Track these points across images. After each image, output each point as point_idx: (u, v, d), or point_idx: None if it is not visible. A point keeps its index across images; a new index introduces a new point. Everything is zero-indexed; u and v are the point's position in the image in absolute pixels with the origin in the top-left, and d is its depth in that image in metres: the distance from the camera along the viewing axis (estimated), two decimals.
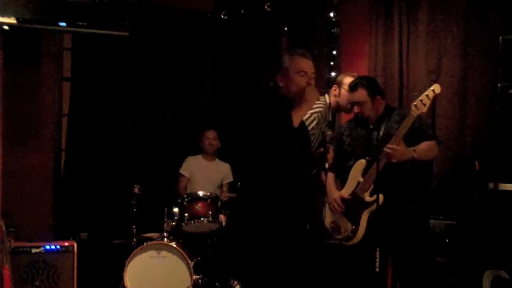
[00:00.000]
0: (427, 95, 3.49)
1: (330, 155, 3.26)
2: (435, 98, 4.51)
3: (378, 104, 3.79)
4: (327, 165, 3.26)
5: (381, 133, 3.71)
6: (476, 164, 4.09)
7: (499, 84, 4.10)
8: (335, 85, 4.33)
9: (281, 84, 3.33)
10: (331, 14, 5.26)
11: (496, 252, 3.75)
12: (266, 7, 5.52)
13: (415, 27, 4.72)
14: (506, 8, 4.17)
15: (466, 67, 4.43)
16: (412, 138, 3.63)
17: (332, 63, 5.24)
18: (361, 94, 3.79)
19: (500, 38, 4.09)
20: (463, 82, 4.44)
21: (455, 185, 4.36)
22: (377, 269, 3.34)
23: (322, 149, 3.27)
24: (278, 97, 3.29)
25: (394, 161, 3.52)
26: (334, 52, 5.26)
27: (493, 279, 3.72)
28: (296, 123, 3.22)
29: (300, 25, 5.51)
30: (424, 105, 3.47)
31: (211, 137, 5.54)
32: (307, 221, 3.31)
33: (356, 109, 3.84)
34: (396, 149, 3.51)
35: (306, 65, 3.31)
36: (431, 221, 4.19)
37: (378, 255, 3.34)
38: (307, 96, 3.23)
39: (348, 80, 4.12)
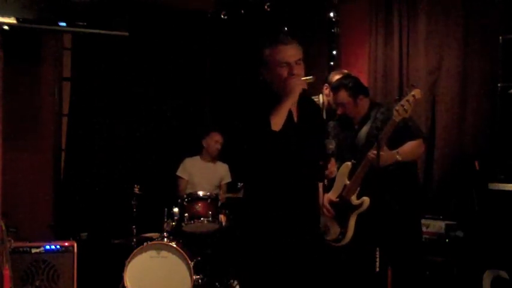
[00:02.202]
0: (408, 100, 3.46)
1: (331, 170, 3.03)
2: (435, 97, 4.58)
3: (361, 103, 3.80)
4: (326, 181, 3.13)
5: (365, 135, 3.72)
6: (476, 164, 4.08)
7: (499, 84, 4.10)
8: (326, 84, 4.33)
9: (267, 79, 2.99)
10: (331, 14, 5.26)
11: (496, 252, 3.75)
12: (266, 7, 5.52)
13: (415, 27, 4.72)
14: (506, 8, 4.17)
15: (466, 67, 4.43)
16: (397, 137, 3.62)
17: (332, 63, 5.24)
18: (343, 95, 3.79)
19: (500, 38, 4.09)
20: (463, 82, 4.44)
21: (455, 185, 4.36)
22: (377, 269, 3.34)
23: (321, 162, 3.02)
24: (267, 94, 2.95)
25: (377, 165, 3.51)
26: (334, 52, 5.26)
27: (493, 279, 3.72)
28: (276, 125, 2.82)
29: (300, 25, 5.51)
30: (406, 111, 3.45)
31: (215, 140, 5.49)
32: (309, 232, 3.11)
33: (339, 110, 3.86)
34: (382, 155, 3.45)
35: (288, 53, 2.89)
36: (431, 221, 4.19)
37: (377, 256, 3.34)
38: (288, 89, 2.83)
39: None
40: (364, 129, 3.76)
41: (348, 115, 3.82)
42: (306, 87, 2.92)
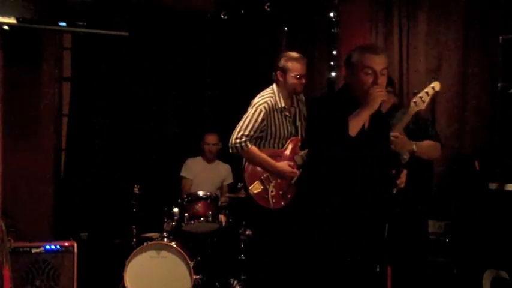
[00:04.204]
0: (426, 92, 3.50)
1: (402, 180, 3.04)
2: (435, 97, 4.57)
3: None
4: (395, 191, 3.10)
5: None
6: (476, 164, 4.08)
7: (499, 84, 4.10)
8: (279, 71, 4.22)
9: (351, 83, 3.03)
10: (331, 14, 5.25)
11: (496, 252, 3.75)
12: (266, 7, 5.52)
13: (415, 27, 4.71)
14: (506, 8, 4.17)
15: (466, 67, 4.42)
16: (415, 136, 3.63)
17: (332, 63, 5.24)
18: None
19: (500, 38, 4.09)
20: (463, 82, 4.44)
21: (455, 185, 4.36)
22: (377, 269, 3.34)
23: (394, 171, 3.05)
24: (347, 97, 3.00)
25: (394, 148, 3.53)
26: (334, 52, 5.25)
27: (493, 279, 3.72)
28: (353, 130, 2.88)
29: (300, 25, 5.51)
30: (423, 101, 3.48)
31: (211, 143, 5.53)
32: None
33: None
34: (398, 136, 3.51)
35: (376, 60, 2.93)
36: (431, 221, 4.18)
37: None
38: (371, 99, 2.88)
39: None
40: None
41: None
42: (386, 98, 2.99)
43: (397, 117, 3.72)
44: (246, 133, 3.99)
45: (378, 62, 2.93)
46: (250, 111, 4.07)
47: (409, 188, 3.64)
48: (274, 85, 4.18)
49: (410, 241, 3.71)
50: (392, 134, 3.51)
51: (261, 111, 4.03)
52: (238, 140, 3.99)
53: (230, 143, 4.03)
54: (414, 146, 3.59)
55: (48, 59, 5.36)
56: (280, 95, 4.14)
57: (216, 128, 5.72)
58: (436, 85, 3.51)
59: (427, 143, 3.69)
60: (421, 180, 3.76)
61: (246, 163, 4.12)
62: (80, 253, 4.40)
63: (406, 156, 3.01)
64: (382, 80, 2.94)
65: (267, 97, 4.11)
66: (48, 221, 5.32)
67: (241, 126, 4.02)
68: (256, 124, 4.01)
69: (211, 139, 5.54)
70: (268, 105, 4.06)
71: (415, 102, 3.50)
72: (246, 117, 4.05)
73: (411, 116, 3.52)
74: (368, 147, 2.96)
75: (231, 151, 4.06)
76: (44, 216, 5.31)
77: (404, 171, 3.05)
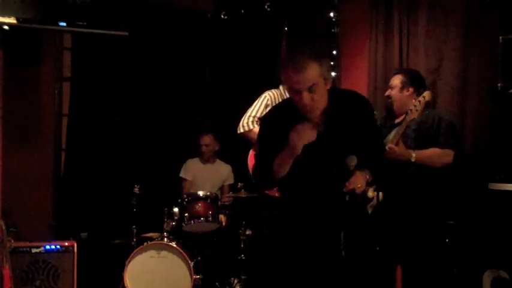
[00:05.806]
0: (419, 101, 3.52)
1: (352, 184, 2.69)
2: (435, 98, 4.58)
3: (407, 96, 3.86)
4: (370, 194, 3.10)
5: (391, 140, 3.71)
6: (476, 164, 4.09)
7: (499, 84, 4.10)
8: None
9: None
10: (331, 14, 5.26)
11: (496, 252, 3.75)
12: (266, 7, 5.52)
13: (415, 27, 4.71)
14: (506, 8, 4.17)
15: (466, 67, 4.42)
16: (423, 141, 3.65)
17: (332, 63, 5.23)
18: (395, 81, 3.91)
19: (500, 38, 4.09)
20: (463, 82, 4.43)
21: (455, 185, 4.35)
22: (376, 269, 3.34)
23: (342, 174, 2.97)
24: (291, 110, 2.73)
25: (392, 158, 3.52)
26: (334, 52, 5.26)
27: (493, 279, 3.72)
28: (280, 172, 2.70)
29: (300, 25, 5.51)
30: (417, 110, 3.50)
31: (204, 143, 5.53)
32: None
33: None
34: (392, 148, 3.52)
35: (296, 80, 2.50)
36: None
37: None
38: (290, 145, 2.56)
39: None
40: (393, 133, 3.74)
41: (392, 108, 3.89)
42: (312, 139, 2.56)
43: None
44: (253, 114, 4.31)
45: (299, 81, 2.48)
46: (257, 100, 4.39)
47: (411, 193, 3.67)
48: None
49: (413, 245, 3.69)
50: (388, 145, 3.53)
51: (265, 97, 4.35)
52: (245, 121, 4.32)
53: (238, 127, 4.35)
54: (413, 155, 3.58)
55: (48, 59, 5.37)
56: (286, 90, 4.31)
57: (216, 128, 5.72)
58: (426, 94, 3.56)
59: (430, 151, 3.65)
60: (424, 187, 3.71)
61: (251, 153, 4.26)
62: (80, 253, 4.40)
63: (353, 163, 2.75)
64: (309, 97, 2.52)
65: (273, 90, 4.41)
66: (48, 221, 5.32)
67: (248, 112, 4.36)
68: (262, 107, 4.31)
69: (205, 140, 5.54)
70: (273, 93, 4.36)
71: (410, 110, 3.52)
72: (252, 105, 4.38)
73: (406, 123, 3.54)
74: (324, 150, 2.67)
75: (238, 131, 4.35)
76: (44, 216, 5.31)
77: (357, 174, 2.70)
